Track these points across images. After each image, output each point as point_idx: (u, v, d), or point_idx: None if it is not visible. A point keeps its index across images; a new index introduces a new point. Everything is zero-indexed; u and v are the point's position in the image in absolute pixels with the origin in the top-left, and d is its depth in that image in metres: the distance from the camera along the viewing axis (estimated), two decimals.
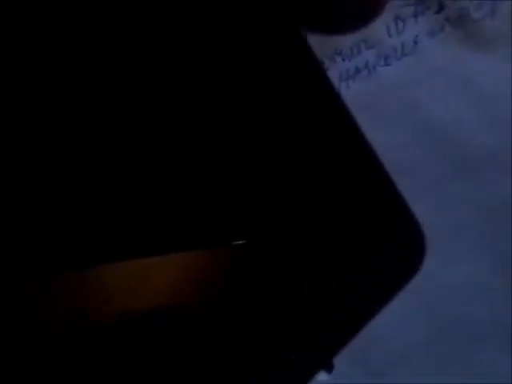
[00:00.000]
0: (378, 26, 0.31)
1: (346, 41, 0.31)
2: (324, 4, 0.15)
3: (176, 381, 0.13)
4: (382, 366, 0.31)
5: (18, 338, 0.12)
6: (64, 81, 0.13)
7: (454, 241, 0.33)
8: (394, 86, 0.33)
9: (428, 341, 0.33)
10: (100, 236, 0.13)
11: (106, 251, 0.13)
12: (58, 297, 0.13)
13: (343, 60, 0.33)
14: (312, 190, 0.14)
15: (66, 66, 0.13)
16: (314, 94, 0.15)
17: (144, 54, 0.13)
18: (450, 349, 0.33)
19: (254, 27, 0.14)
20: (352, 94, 0.33)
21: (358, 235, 0.15)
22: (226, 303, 0.13)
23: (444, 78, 0.34)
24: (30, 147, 0.13)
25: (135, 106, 0.13)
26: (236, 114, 0.14)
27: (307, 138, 0.14)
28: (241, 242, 0.13)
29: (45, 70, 0.13)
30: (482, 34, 0.34)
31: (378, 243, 0.15)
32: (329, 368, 0.15)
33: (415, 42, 0.34)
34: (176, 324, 0.13)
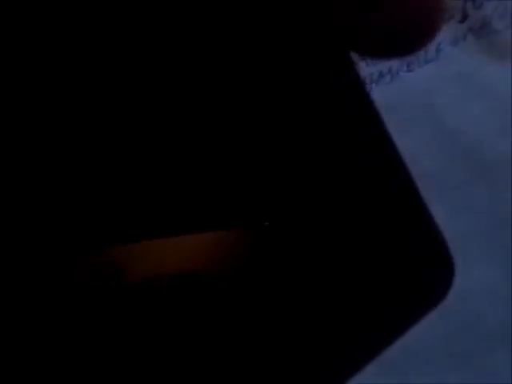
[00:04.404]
0: None
1: None
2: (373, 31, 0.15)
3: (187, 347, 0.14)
4: (397, 365, 0.31)
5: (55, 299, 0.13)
6: (63, 70, 0.13)
7: (470, 244, 0.33)
8: (415, 92, 0.34)
9: (442, 342, 0.33)
10: (130, 217, 0.14)
11: (132, 231, 0.13)
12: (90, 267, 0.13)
13: (367, 65, 0.34)
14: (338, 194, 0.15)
15: (66, 64, 0.13)
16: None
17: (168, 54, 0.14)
18: (463, 351, 0.33)
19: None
20: (374, 97, 0.34)
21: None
22: (244, 281, 0.14)
23: (465, 85, 0.34)
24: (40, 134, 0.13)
25: (167, 87, 0.14)
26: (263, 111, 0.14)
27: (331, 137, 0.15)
28: (265, 224, 0.14)
29: (44, 68, 0.13)
30: (503, 44, 0.34)
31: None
32: None
33: (438, 50, 0.34)
34: (196, 290, 0.14)
